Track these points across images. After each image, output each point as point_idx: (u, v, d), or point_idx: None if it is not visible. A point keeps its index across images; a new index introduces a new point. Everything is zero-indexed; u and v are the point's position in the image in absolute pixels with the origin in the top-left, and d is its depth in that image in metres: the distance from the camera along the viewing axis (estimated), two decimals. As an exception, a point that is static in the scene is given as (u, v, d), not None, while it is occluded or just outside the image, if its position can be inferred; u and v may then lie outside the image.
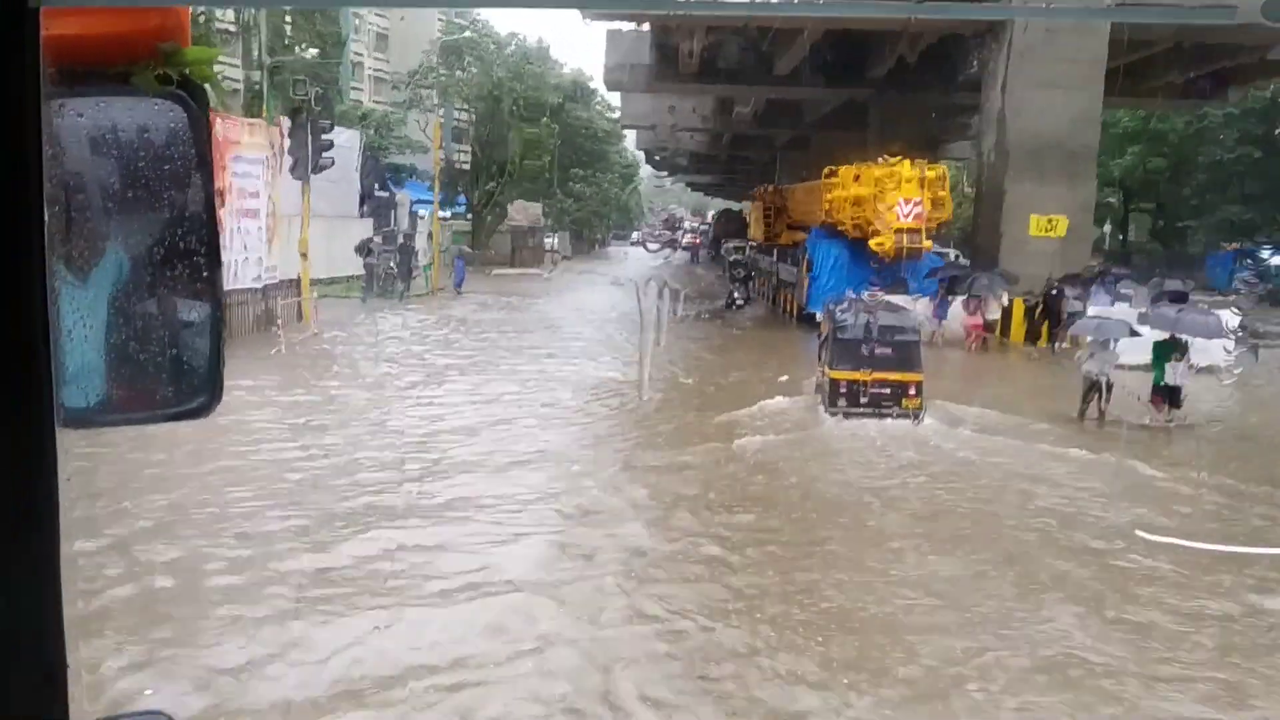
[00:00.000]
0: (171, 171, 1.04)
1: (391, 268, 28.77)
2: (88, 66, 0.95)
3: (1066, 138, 21.78)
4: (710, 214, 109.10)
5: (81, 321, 0.98)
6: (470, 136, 51.31)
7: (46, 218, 0.78)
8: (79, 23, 0.93)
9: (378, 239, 29.55)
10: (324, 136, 21.07)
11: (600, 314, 26.25)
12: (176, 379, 1.08)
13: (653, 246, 67.78)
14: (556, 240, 59.74)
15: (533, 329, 22.20)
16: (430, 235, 42.28)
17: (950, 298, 21.11)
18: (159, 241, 1.05)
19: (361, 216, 36.64)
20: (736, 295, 28.40)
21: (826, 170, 22.95)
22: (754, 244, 35.17)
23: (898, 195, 20.23)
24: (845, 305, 13.56)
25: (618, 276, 41.21)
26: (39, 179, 0.77)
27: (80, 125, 0.99)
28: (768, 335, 23.38)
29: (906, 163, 20.73)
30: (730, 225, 72.23)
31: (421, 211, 42.51)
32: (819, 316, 16.29)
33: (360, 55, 61.08)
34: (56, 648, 0.79)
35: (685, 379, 16.55)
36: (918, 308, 21.21)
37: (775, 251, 28.88)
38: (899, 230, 20.28)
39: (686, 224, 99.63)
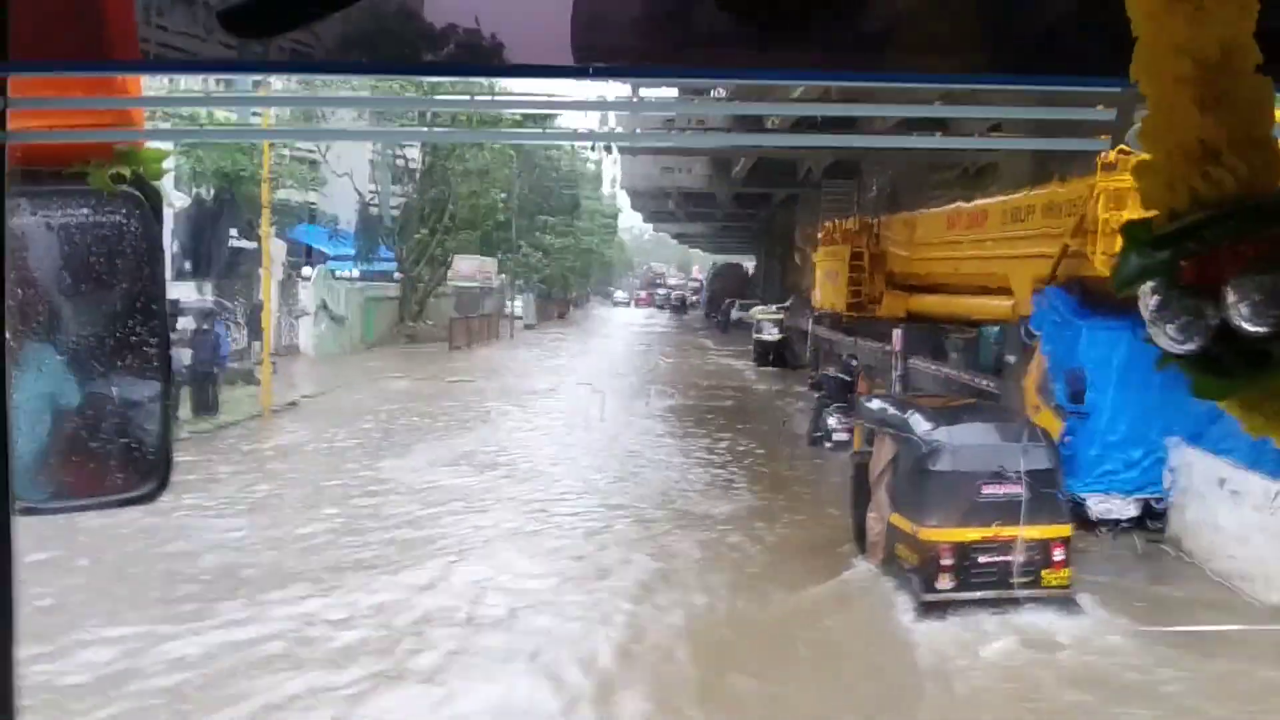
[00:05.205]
0: (124, 266, 1.04)
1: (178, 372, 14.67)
2: (46, 166, 0.95)
3: None
4: (696, 269, 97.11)
5: (34, 409, 0.97)
6: (395, 166, 37.85)
7: (6, 311, 0.75)
8: (40, 123, 0.93)
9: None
10: None
11: (559, 506, 12.33)
12: (126, 466, 1.08)
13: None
14: (520, 304, 46.20)
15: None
16: (335, 300, 28.58)
17: None
18: (111, 332, 1.05)
19: (181, 278, 22.86)
20: (832, 424, 14.47)
21: (1107, 158, 9.24)
22: (820, 314, 21.40)
23: None
24: (915, 411, 8.70)
25: (595, 368, 27.26)
26: (0, 274, 0.73)
27: (38, 223, 0.99)
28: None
29: None
30: (729, 283, 59.86)
31: (307, 270, 28.73)
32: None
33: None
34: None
35: None
36: None
37: (898, 335, 14.99)
38: None
39: (672, 281, 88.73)
